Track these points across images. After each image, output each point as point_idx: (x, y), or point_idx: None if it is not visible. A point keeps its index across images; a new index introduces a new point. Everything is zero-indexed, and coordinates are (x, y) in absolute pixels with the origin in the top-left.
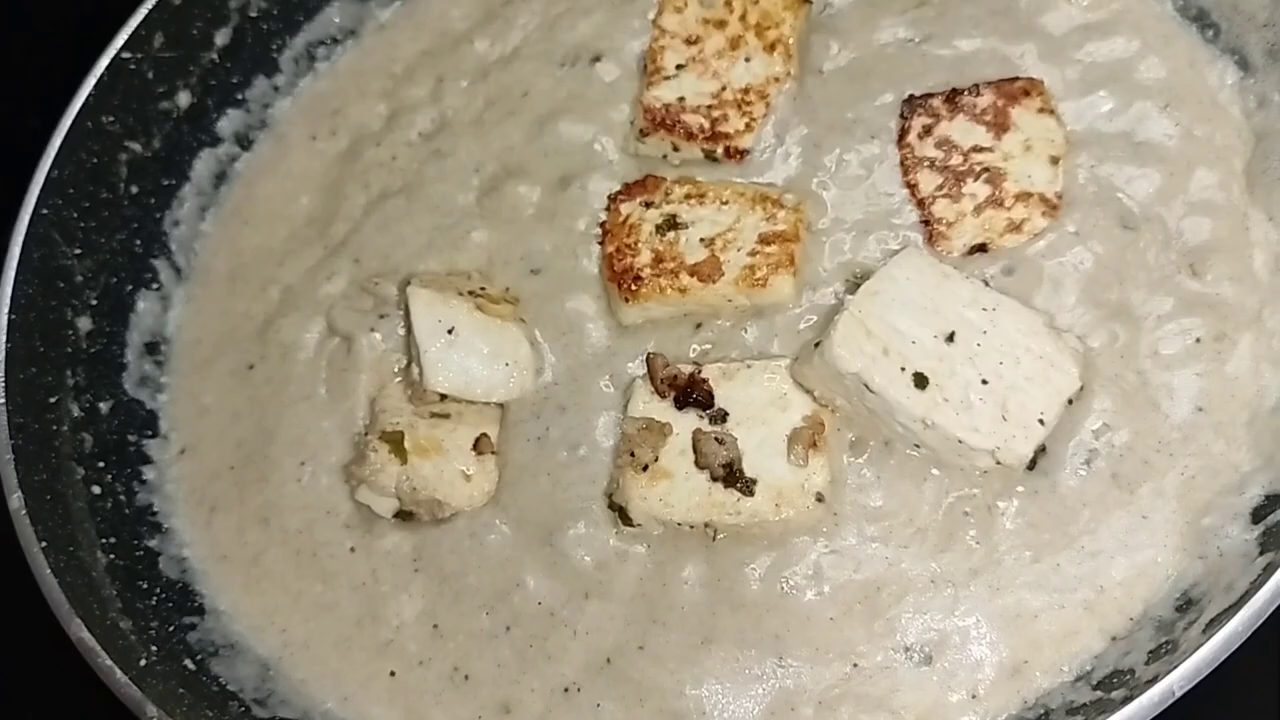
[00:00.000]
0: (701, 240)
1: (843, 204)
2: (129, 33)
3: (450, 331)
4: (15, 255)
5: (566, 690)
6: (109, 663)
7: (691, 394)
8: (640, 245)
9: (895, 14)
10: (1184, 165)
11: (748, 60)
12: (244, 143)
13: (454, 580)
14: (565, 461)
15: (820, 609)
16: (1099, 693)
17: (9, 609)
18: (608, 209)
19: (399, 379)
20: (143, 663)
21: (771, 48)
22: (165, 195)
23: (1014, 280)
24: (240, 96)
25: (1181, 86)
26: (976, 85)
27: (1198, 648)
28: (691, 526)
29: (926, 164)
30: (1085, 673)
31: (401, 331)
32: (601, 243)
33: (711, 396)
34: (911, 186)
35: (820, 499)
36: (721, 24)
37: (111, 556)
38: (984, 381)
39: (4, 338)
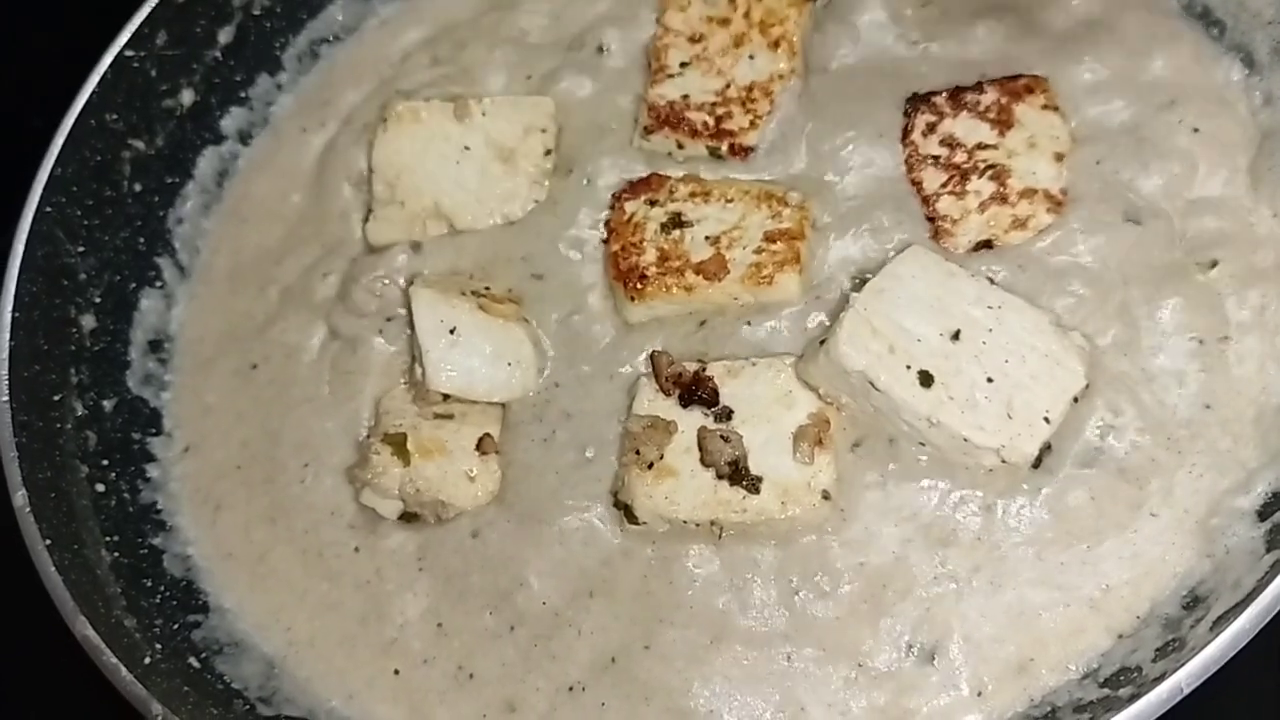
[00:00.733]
0: (707, 238)
1: (847, 201)
2: (132, 30)
3: (453, 331)
4: (19, 253)
5: (571, 689)
6: (113, 660)
7: (696, 392)
8: (645, 243)
9: (899, 10)
10: (1189, 162)
11: (752, 57)
12: (247, 140)
13: (458, 579)
14: (569, 460)
15: (826, 607)
16: (1106, 690)
17: (13, 607)
18: (612, 207)
19: (404, 381)
20: (147, 661)
21: (775, 45)
22: (169, 193)
23: (1019, 277)
24: (244, 94)
25: (1187, 83)
26: (980, 82)
27: (1206, 645)
28: (697, 525)
29: (931, 161)
30: (1092, 670)
31: (409, 332)
32: (606, 241)
33: (716, 394)
34: (916, 184)
35: (826, 497)
36: (725, 21)
37: (116, 554)
38: (989, 379)
39: (7, 335)
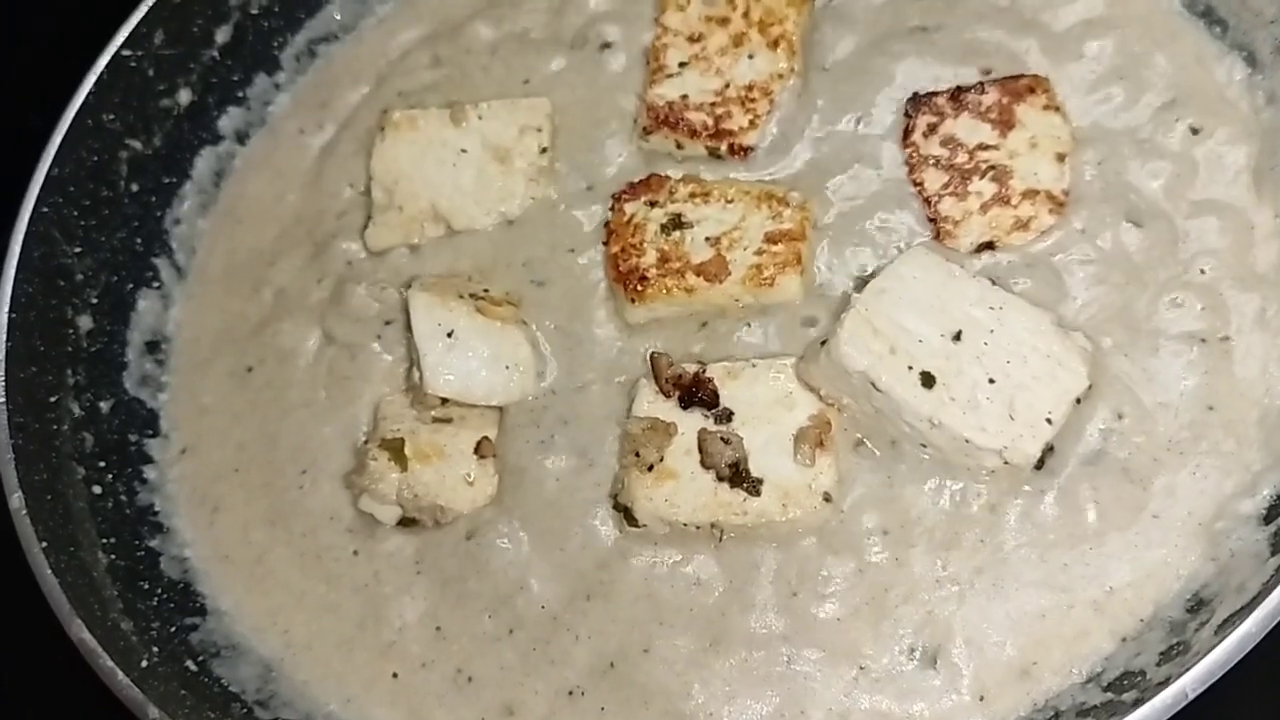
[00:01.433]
0: (707, 239)
1: (848, 202)
2: (129, 30)
3: (450, 335)
4: (15, 253)
5: (570, 693)
6: (110, 664)
7: (696, 393)
8: (645, 245)
9: (899, 10)
10: (1191, 163)
11: (751, 57)
12: (244, 140)
13: (456, 583)
14: (568, 463)
15: (827, 610)
16: (1110, 694)
17: (9, 609)
18: (611, 209)
19: (404, 386)
20: (144, 664)
21: (775, 44)
22: (166, 193)
23: (1021, 278)
24: (241, 94)
25: (1189, 83)
26: (981, 83)
27: (1211, 649)
28: (697, 527)
29: (932, 162)
30: (1095, 674)
31: (407, 336)
32: (606, 242)
33: (716, 396)
34: (917, 185)
35: (827, 499)
36: (724, 21)
37: (112, 556)
38: (991, 381)
39: (4, 336)
